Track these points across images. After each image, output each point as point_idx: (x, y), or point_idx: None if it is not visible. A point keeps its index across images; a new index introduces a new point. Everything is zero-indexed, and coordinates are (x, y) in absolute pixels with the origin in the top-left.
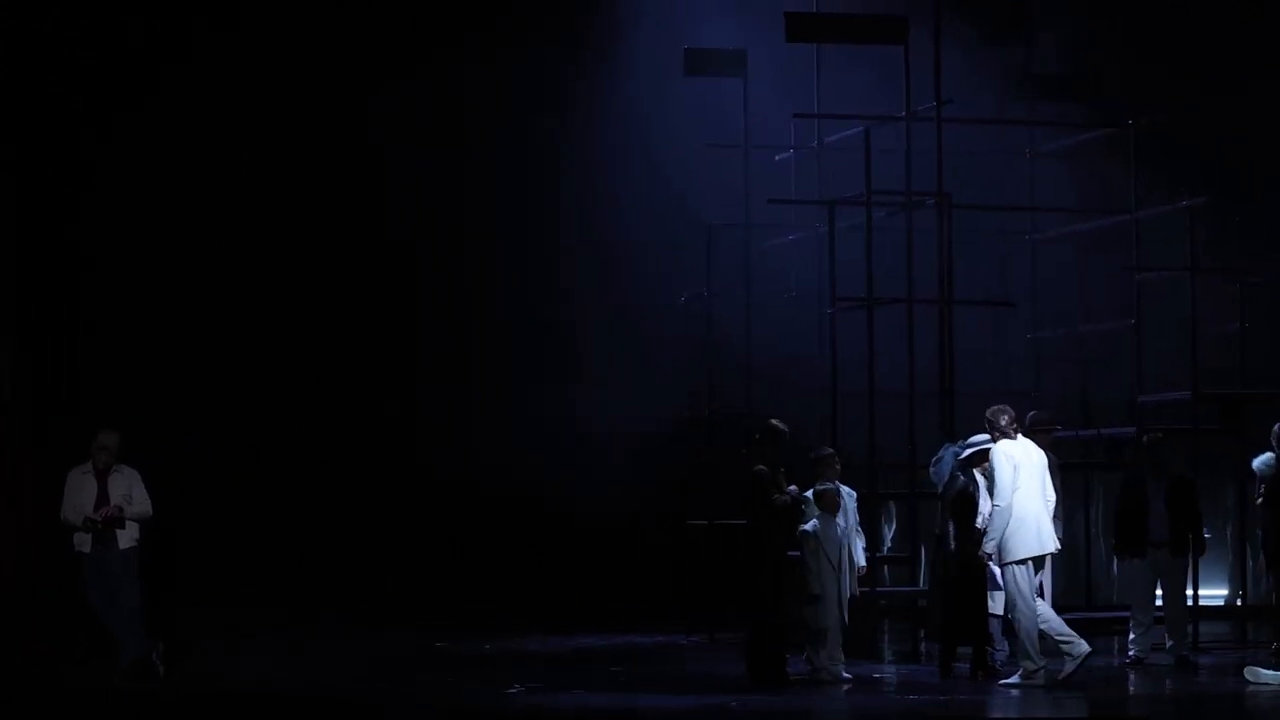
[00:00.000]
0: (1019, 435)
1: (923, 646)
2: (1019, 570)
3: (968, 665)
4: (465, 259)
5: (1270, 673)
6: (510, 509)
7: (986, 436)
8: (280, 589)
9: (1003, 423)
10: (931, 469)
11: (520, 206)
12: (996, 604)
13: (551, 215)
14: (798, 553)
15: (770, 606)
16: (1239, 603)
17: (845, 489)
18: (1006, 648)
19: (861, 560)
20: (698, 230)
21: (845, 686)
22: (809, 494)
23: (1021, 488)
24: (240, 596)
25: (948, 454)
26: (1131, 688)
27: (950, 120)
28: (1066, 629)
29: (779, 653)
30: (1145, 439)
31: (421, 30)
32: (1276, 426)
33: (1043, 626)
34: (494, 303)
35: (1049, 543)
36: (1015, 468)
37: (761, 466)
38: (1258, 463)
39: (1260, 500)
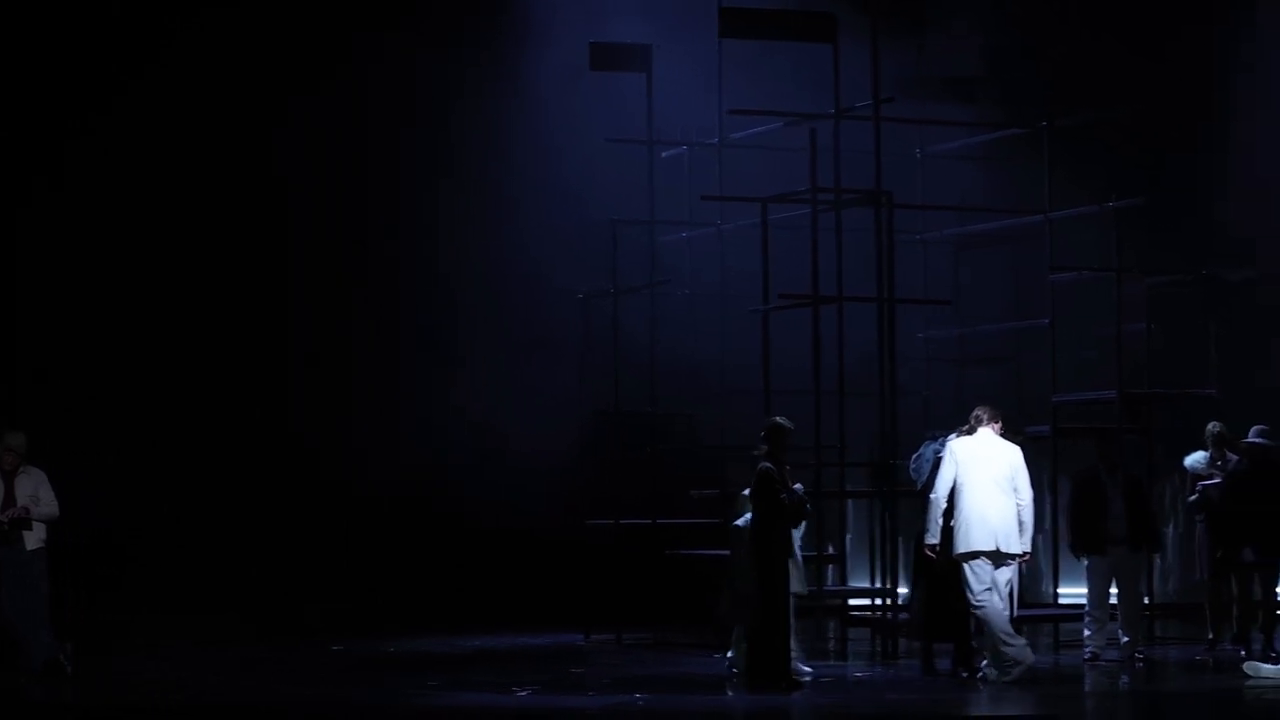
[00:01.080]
0: (985, 432)
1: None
2: (966, 566)
3: (949, 662)
4: (368, 257)
5: (1271, 668)
6: (407, 509)
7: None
8: (180, 595)
9: (971, 420)
10: (911, 466)
11: (421, 202)
12: None
13: (457, 208)
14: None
15: (772, 605)
16: (1147, 600)
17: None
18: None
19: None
20: (601, 226)
21: (806, 681)
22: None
23: (968, 483)
24: (141, 603)
25: (928, 451)
26: (1088, 684)
27: (887, 119)
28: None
29: (781, 652)
30: (1103, 436)
31: (329, 23)
32: (1211, 425)
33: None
34: (392, 299)
35: (992, 540)
36: (956, 463)
37: (767, 464)
38: (1190, 461)
39: (1194, 498)
